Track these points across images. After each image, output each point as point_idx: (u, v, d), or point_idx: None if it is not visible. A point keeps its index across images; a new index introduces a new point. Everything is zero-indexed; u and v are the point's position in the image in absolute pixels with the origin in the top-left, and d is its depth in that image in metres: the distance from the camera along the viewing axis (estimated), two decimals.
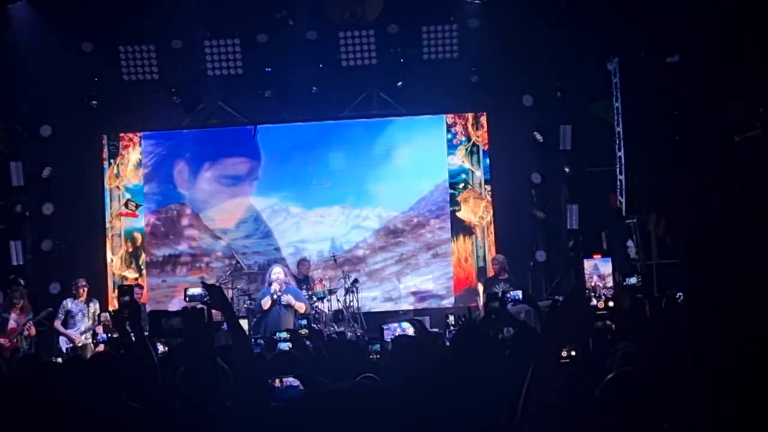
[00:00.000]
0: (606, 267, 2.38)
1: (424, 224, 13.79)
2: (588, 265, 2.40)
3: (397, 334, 5.99)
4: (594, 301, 2.38)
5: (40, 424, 3.42)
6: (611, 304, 2.38)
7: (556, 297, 9.14)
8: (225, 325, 3.88)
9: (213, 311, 3.60)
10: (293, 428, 3.20)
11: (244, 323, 10.07)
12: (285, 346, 6.64)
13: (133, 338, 4.44)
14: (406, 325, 6.27)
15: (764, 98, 10.41)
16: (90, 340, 11.11)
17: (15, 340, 11.16)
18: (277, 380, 4.02)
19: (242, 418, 3.45)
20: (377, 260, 13.75)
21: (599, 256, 2.40)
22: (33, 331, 11.30)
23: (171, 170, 13.86)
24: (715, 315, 1.90)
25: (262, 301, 10.92)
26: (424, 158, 13.79)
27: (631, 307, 2.40)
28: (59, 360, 9.46)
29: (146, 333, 4.20)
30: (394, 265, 13.71)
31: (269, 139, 13.93)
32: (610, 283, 2.39)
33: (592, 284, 2.39)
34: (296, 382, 4.02)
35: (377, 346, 6.00)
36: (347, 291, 12.25)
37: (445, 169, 13.76)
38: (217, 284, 7.80)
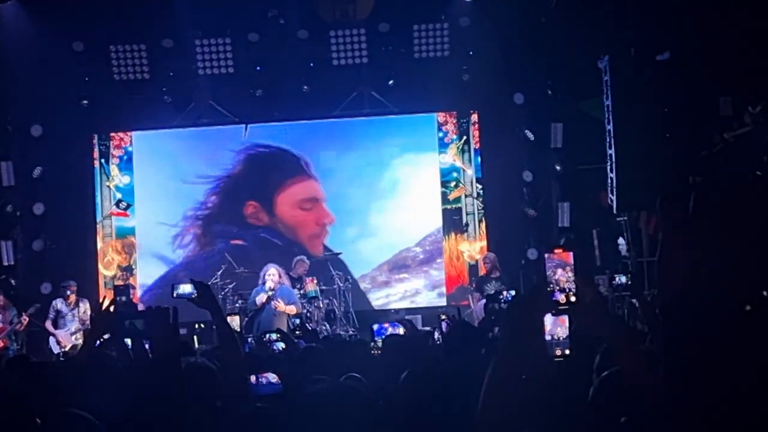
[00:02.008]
0: (568, 261, 2.38)
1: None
2: (553, 260, 2.40)
3: (387, 333, 6.00)
4: (558, 295, 2.37)
5: (31, 426, 3.40)
6: (573, 298, 2.38)
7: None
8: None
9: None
10: (278, 428, 3.20)
11: (235, 320, 10.06)
12: (279, 346, 6.61)
13: (130, 340, 4.43)
14: (397, 324, 6.29)
15: (754, 96, 10.44)
16: (80, 341, 11.09)
17: (5, 340, 11.13)
18: (253, 376, 4.01)
19: (230, 418, 3.45)
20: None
21: (561, 251, 2.40)
22: (26, 321, 11.30)
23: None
24: (686, 319, 1.91)
25: (257, 298, 10.89)
26: (415, 157, 13.79)
27: (593, 301, 2.40)
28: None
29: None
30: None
31: (261, 138, 13.92)
32: (572, 277, 2.39)
33: (556, 278, 2.38)
34: (275, 378, 4.01)
35: (380, 343, 6.01)
36: (339, 290, 12.23)
37: (437, 168, 13.78)
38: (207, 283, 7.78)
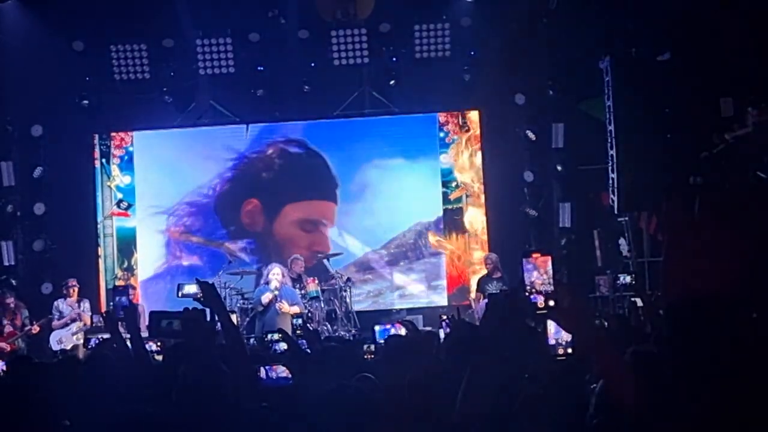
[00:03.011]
0: (546, 265, 2.39)
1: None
2: (530, 264, 2.40)
3: (390, 334, 5.99)
4: (536, 298, 2.38)
5: (33, 426, 3.40)
6: (551, 303, 2.38)
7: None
8: (218, 325, 3.88)
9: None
10: (284, 427, 3.21)
11: (233, 318, 10.04)
12: (280, 347, 6.60)
13: (129, 339, 4.43)
14: (398, 325, 6.28)
15: (755, 96, 10.45)
16: (81, 341, 11.10)
17: (14, 343, 11.13)
18: (262, 369, 4.01)
19: (237, 416, 3.45)
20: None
21: (538, 255, 2.40)
22: (36, 329, 11.32)
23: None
24: (691, 320, 1.91)
25: (262, 297, 10.84)
26: (416, 158, 13.77)
27: (571, 305, 2.40)
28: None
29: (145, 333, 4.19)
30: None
31: (262, 138, 13.91)
32: (549, 280, 2.39)
33: (532, 280, 2.39)
34: (284, 372, 4.01)
35: (373, 346, 6.01)
36: (340, 290, 12.20)
37: (438, 168, 13.77)
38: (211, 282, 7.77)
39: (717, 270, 1.91)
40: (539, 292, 2.36)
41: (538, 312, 2.36)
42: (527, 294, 2.37)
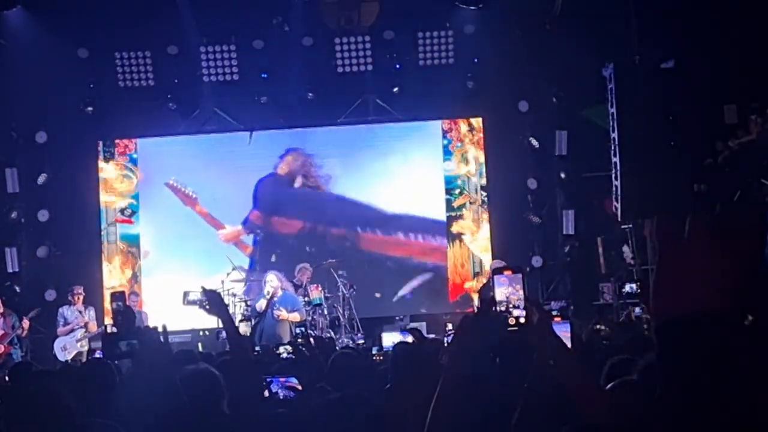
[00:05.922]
0: (518, 281, 2.42)
1: None
2: (502, 280, 2.43)
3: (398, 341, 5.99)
4: (513, 313, 2.40)
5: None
6: (522, 319, 2.40)
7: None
8: (224, 333, 3.90)
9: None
10: None
11: (245, 326, 10.08)
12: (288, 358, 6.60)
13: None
14: (406, 332, 6.28)
15: (758, 103, 10.45)
16: (86, 348, 11.11)
17: (7, 346, 11.12)
18: (272, 384, 4.01)
19: (240, 423, 3.45)
20: None
21: (510, 272, 2.43)
22: (27, 325, 11.29)
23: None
24: (678, 338, 1.93)
25: (257, 305, 10.88)
26: (420, 164, 13.77)
27: (539, 321, 2.42)
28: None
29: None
30: None
31: (264, 145, 13.91)
32: (521, 296, 2.41)
33: (507, 296, 2.41)
34: (294, 382, 4.01)
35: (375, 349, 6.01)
36: (344, 297, 12.17)
37: (441, 175, 13.77)
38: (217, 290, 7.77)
39: (706, 289, 1.93)
40: (516, 307, 2.39)
41: (509, 329, 2.39)
42: (505, 311, 2.39)
